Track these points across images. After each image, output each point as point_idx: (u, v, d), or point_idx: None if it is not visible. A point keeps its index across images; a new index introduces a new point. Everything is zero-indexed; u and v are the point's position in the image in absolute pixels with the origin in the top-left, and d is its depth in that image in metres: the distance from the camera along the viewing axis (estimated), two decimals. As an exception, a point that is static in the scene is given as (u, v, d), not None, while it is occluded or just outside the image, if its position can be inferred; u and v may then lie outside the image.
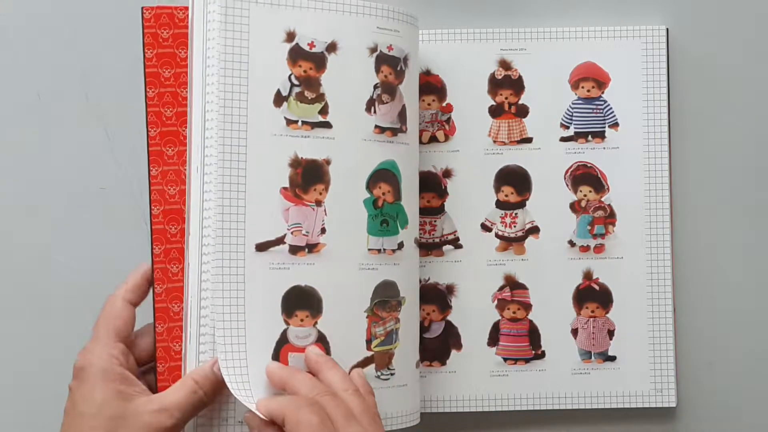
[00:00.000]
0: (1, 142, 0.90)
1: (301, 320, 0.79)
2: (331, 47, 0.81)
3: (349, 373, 0.79)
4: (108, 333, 0.76)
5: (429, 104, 0.90)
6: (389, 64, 0.83)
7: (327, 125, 0.81)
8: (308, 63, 0.80)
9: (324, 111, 0.81)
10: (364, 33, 0.82)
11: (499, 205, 0.90)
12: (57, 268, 0.89)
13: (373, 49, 0.82)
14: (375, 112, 0.82)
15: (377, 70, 0.82)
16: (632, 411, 0.89)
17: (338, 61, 0.81)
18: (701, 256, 0.91)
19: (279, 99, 0.80)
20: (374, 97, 0.82)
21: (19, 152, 0.90)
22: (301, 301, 0.79)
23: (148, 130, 0.80)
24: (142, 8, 0.80)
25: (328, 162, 0.81)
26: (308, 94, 0.80)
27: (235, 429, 0.78)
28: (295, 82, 0.80)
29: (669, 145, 0.90)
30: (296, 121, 0.80)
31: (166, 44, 0.80)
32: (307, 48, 0.80)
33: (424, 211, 0.89)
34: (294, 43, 0.80)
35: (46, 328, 0.89)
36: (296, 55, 0.80)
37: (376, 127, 0.82)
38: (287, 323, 0.79)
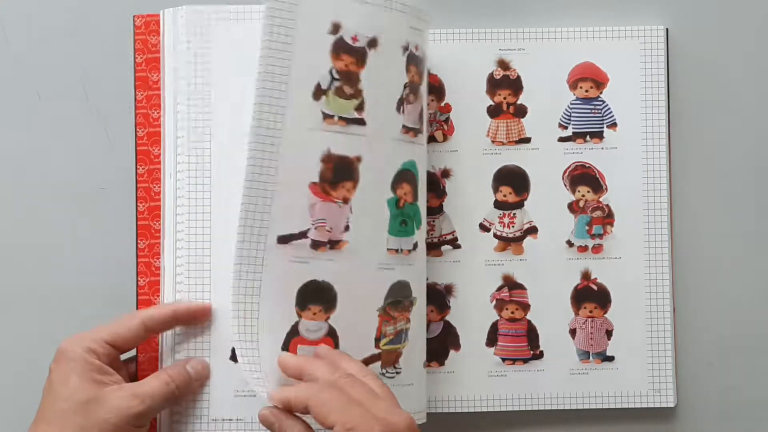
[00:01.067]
0: (1, 142, 0.90)
1: (314, 314, 0.79)
2: (372, 43, 0.80)
3: None
4: (102, 331, 0.77)
5: (427, 104, 0.90)
6: (416, 64, 0.83)
7: (361, 122, 0.80)
8: (350, 57, 0.80)
9: (360, 108, 0.80)
10: (400, 31, 0.81)
11: (498, 205, 0.90)
12: (57, 268, 0.90)
13: (406, 48, 0.82)
14: (403, 111, 0.82)
15: (407, 70, 0.82)
16: (631, 411, 0.89)
17: (377, 57, 0.80)
18: (701, 256, 0.91)
19: (318, 92, 0.79)
20: (404, 96, 0.82)
21: (19, 152, 0.90)
22: (315, 296, 0.79)
23: (136, 131, 0.82)
24: (134, 16, 0.83)
25: (358, 159, 0.80)
26: (347, 90, 0.80)
27: (209, 426, 0.80)
28: (336, 76, 0.79)
29: (668, 145, 0.90)
30: (332, 116, 0.79)
31: (154, 49, 0.82)
32: (350, 42, 0.80)
33: (422, 211, 0.89)
34: (339, 35, 0.79)
35: (46, 327, 0.89)
36: (339, 48, 0.79)
37: (403, 126, 0.82)
38: (299, 316, 0.79)
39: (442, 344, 0.89)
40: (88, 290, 0.89)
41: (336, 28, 0.79)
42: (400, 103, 0.82)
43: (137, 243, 0.81)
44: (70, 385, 0.74)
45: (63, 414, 0.73)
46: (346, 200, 0.80)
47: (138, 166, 0.82)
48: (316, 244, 0.79)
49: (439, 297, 0.89)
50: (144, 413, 0.74)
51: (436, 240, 0.89)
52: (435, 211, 0.89)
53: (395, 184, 0.82)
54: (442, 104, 0.90)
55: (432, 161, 0.89)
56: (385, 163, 0.81)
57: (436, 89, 0.90)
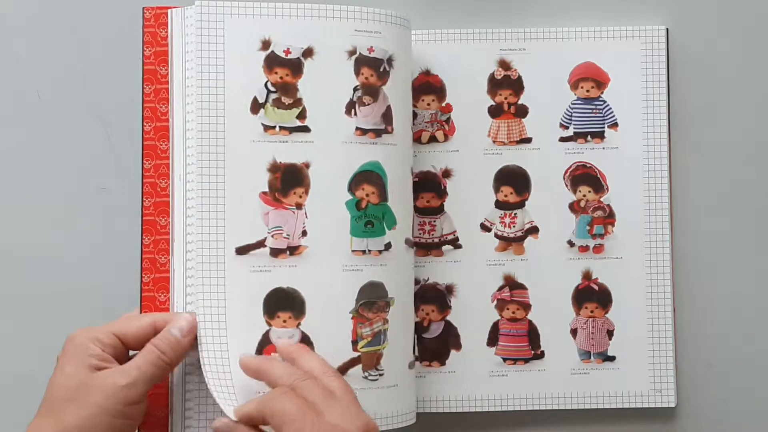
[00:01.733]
0: (1, 142, 0.90)
1: (284, 321, 0.80)
2: (308, 53, 0.82)
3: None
4: (112, 325, 0.77)
5: (428, 104, 0.90)
6: (370, 65, 0.83)
7: (305, 129, 0.82)
8: (284, 69, 0.81)
9: (302, 116, 0.82)
10: (341, 37, 0.82)
11: (499, 205, 0.90)
12: (57, 268, 0.89)
13: (352, 52, 0.82)
14: (356, 114, 0.82)
15: (357, 73, 0.83)
16: (631, 411, 0.89)
17: (315, 65, 0.82)
18: (701, 256, 0.91)
19: (256, 106, 0.81)
20: (354, 99, 0.82)
21: (19, 152, 0.90)
22: (283, 303, 0.80)
23: (143, 125, 0.82)
24: (143, 8, 0.82)
25: (307, 165, 0.81)
26: (285, 100, 0.81)
27: None
28: (272, 88, 0.81)
29: (669, 145, 0.90)
30: (274, 127, 0.81)
31: (164, 43, 0.82)
32: (282, 55, 0.81)
33: (423, 211, 0.89)
34: (269, 50, 0.81)
35: (46, 327, 0.89)
36: (272, 62, 0.81)
37: (358, 129, 0.82)
38: (269, 324, 0.80)
39: (443, 344, 0.89)
40: (88, 290, 0.89)
41: (266, 44, 0.81)
42: (350, 106, 0.82)
43: (142, 239, 0.81)
44: (65, 373, 0.74)
45: (58, 403, 0.73)
46: (299, 206, 0.81)
47: (144, 161, 0.82)
48: (275, 252, 0.81)
49: (439, 297, 0.89)
50: (131, 384, 0.74)
51: (437, 240, 0.89)
52: (436, 211, 0.89)
53: (353, 186, 0.82)
54: (443, 104, 0.90)
55: (433, 161, 0.89)
56: (338, 166, 0.82)
57: (438, 89, 0.90)
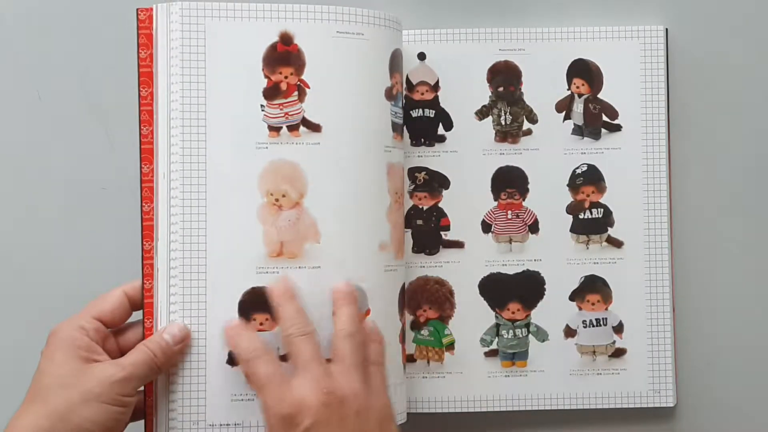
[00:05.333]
0: (1, 142, 0.90)
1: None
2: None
3: None
4: (89, 310, 0.78)
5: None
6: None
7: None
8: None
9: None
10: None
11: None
12: (57, 268, 0.90)
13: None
14: None
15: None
16: (630, 411, 0.89)
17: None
18: (701, 256, 0.91)
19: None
20: None
21: (19, 152, 0.90)
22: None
23: (140, 128, 0.81)
24: (137, 10, 0.81)
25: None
26: None
27: (206, 431, 0.79)
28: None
29: (668, 145, 0.90)
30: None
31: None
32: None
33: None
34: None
35: (46, 327, 0.89)
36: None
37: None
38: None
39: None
40: (88, 290, 0.89)
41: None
42: None
43: (142, 245, 0.80)
44: (55, 362, 0.75)
45: (47, 389, 0.74)
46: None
47: (142, 165, 0.80)
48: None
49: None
50: (126, 379, 0.75)
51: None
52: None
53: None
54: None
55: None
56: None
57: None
